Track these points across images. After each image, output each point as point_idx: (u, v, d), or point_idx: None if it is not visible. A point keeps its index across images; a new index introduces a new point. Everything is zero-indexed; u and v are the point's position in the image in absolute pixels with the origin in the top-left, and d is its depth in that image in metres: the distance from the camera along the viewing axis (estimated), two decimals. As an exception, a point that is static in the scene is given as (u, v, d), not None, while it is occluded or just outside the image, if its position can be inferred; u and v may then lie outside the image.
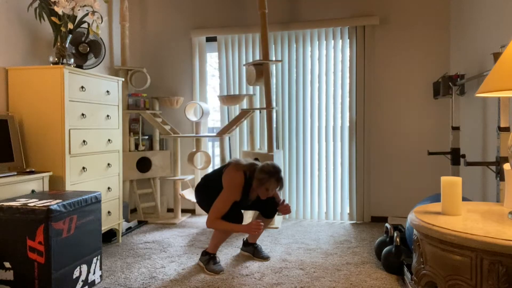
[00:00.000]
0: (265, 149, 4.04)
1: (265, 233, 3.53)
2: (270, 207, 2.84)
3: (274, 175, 2.57)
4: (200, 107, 4.05)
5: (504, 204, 1.67)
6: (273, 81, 4.03)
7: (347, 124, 3.97)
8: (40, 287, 2.05)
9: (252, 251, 2.90)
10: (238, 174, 2.61)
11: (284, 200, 2.86)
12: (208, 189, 2.76)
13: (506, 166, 1.64)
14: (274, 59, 4.08)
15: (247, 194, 2.70)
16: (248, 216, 3.92)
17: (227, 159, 4.16)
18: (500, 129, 2.36)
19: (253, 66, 3.70)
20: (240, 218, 2.64)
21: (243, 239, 3.00)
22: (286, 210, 2.79)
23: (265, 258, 2.84)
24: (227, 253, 2.99)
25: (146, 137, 4.25)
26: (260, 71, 3.68)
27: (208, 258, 2.67)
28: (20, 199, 2.20)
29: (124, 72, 4.02)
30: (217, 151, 4.72)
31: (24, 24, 2.86)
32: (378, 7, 3.90)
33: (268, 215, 2.87)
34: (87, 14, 2.82)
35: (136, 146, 4.14)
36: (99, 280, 2.46)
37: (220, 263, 2.69)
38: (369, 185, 3.96)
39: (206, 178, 2.82)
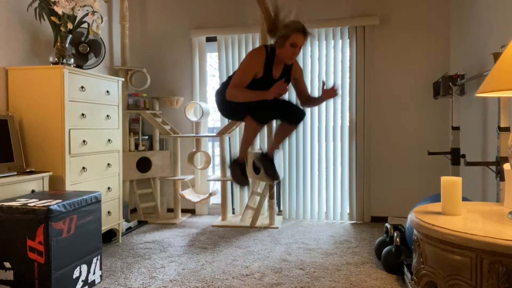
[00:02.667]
0: (265, 149, 4.03)
1: (265, 233, 3.53)
2: (294, 111, 2.55)
3: (297, 25, 2.34)
4: (200, 107, 4.05)
5: (504, 204, 1.66)
6: (273, 81, 4.02)
7: (347, 124, 3.97)
8: (40, 287, 2.05)
9: (264, 164, 2.73)
10: (258, 47, 2.46)
11: (323, 85, 2.54)
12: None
13: (506, 166, 1.64)
14: (274, 59, 4.07)
15: (270, 71, 2.47)
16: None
17: (227, 159, 4.16)
18: (500, 129, 2.36)
19: (253, 66, 3.69)
20: (269, 109, 2.39)
21: (262, 151, 2.83)
22: (331, 92, 2.51)
23: (275, 177, 2.65)
24: (227, 253, 2.99)
25: (146, 137, 4.25)
26: (260, 71, 3.67)
27: (237, 166, 2.55)
28: (20, 199, 2.20)
29: (124, 72, 4.02)
30: (217, 151, 4.72)
31: (24, 24, 2.86)
32: (378, 7, 3.90)
33: (294, 119, 2.56)
34: (87, 14, 2.81)
35: (136, 146, 4.14)
36: (99, 280, 2.46)
37: (247, 175, 2.54)
38: (369, 185, 3.96)
39: (225, 83, 2.59)
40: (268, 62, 2.46)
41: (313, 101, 2.71)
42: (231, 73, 4.20)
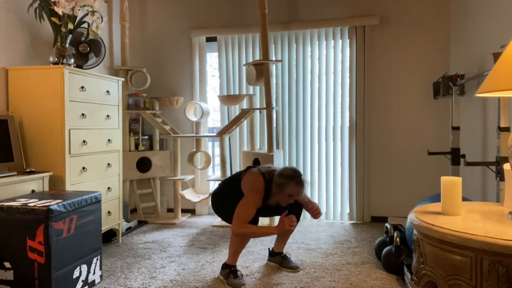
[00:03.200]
0: (265, 149, 4.04)
1: (265, 233, 3.53)
2: (294, 211, 2.62)
3: (294, 179, 2.40)
4: (200, 107, 4.05)
5: (504, 204, 1.66)
6: (273, 81, 4.02)
7: (347, 124, 3.97)
8: (40, 287, 2.05)
9: (279, 261, 2.73)
10: (258, 177, 2.47)
11: (315, 205, 2.62)
12: (226, 196, 2.59)
13: (506, 166, 1.64)
14: (274, 59, 4.08)
15: (267, 200, 2.52)
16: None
17: (227, 159, 4.16)
18: (500, 129, 2.36)
19: (253, 66, 3.70)
20: (256, 219, 2.49)
21: (269, 249, 2.85)
22: (316, 214, 2.59)
23: (294, 268, 2.64)
24: (227, 253, 2.99)
25: (146, 137, 4.25)
26: (260, 71, 3.68)
27: (229, 272, 2.47)
28: (20, 199, 2.20)
29: (124, 72, 4.02)
30: (217, 151, 4.72)
31: (24, 24, 2.86)
32: (378, 7, 3.90)
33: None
34: (87, 14, 2.82)
35: (136, 146, 4.14)
36: (99, 280, 2.46)
37: (242, 277, 2.49)
38: (369, 185, 3.96)
39: (224, 184, 2.66)
40: (265, 193, 2.48)
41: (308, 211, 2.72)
42: (231, 73, 4.21)
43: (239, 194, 2.50)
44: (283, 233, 2.74)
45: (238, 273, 2.48)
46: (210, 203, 2.66)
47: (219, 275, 2.54)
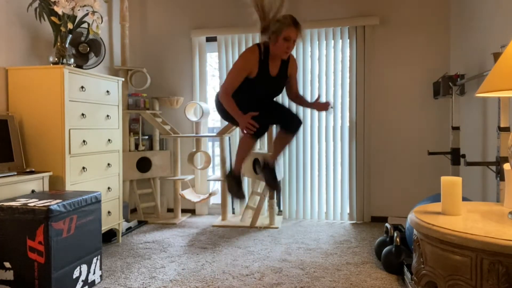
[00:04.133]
0: (265, 149, 4.04)
1: (265, 233, 3.53)
2: (291, 119, 2.51)
3: (289, 18, 2.33)
4: (200, 107, 4.05)
5: (504, 204, 1.66)
6: (273, 81, 4.02)
7: (347, 124, 3.97)
8: (40, 287, 2.05)
9: (265, 174, 2.69)
10: (250, 46, 2.44)
11: (318, 97, 2.52)
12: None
13: (506, 166, 1.64)
14: (274, 59, 4.07)
15: (267, 68, 2.45)
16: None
17: (227, 159, 4.16)
18: (500, 129, 2.36)
19: (253, 66, 3.69)
20: (262, 124, 2.38)
21: (262, 161, 2.80)
22: (323, 106, 2.50)
23: (275, 187, 2.62)
24: (227, 253, 2.99)
25: (146, 137, 4.25)
26: (260, 71, 3.67)
27: (233, 179, 2.50)
28: (20, 199, 2.20)
29: (124, 72, 4.02)
30: (217, 151, 4.72)
31: (24, 24, 2.86)
32: (378, 7, 3.90)
33: (289, 128, 2.54)
34: (87, 14, 2.81)
35: (136, 146, 4.14)
36: (99, 280, 2.46)
37: (243, 190, 2.50)
38: (369, 185, 3.96)
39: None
40: (262, 60, 2.44)
41: (301, 101, 2.67)
42: (231, 73, 4.20)
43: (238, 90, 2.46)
44: (279, 142, 2.66)
45: (242, 183, 2.53)
46: (215, 107, 2.60)
47: (225, 180, 2.55)
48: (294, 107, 3.94)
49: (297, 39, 2.40)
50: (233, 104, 2.38)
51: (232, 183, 2.53)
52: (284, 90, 2.70)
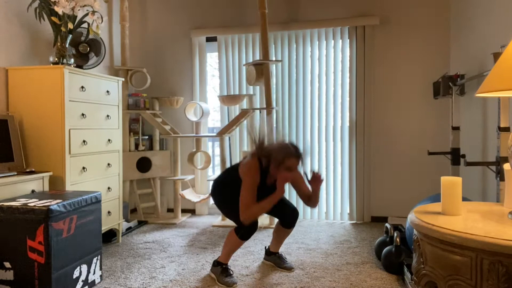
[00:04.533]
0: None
1: (265, 233, 3.53)
2: (290, 214, 2.65)
3: (291, 151, 2.38)
4: (200, 107, 4.05)
5: (504, 204, 1.66)
6: (273, 81, 4.03)
7: (347, 124, 3.97)
8: (40, 287, 2.05)
9: (274, 260, 2.74)
10: (252, 160, 2.46)
11: (313, 172, 2.55)
12: (226, 188, 2.57)
13: (506, 166, 1.64)
14: (274, 59, 4.08)
15: (264, 180, 2.52)
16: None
17: (227, 159, 4.16)
18: (500, 129, 2.36)
19: (253, 66, 3.70)
20: (253, 226, 2.44)
21: (265, 247, 2.85)
22: (318, 181, 2.53)
23: (289, 268, 2.64)
24: (227, 253, 2.99)
25: (146, 137, 4.25)
26: (260, 71, 3.68)
27: (221, 270, 2.48)
28: (20, 199, 2.20)
29: (124, 72, 4.02)
30: (217, 151, 4.72)
31: (24, 24, 2.86)
32: (378, 7, 3.90)
33: (289, 224, 2.67)
34: (87, 14, 2.81)
35: (136, 146, 4.14)
36: (99, 280, 2.46)
37: (233, 275, 2.51)
38: (369, 185, 3.96)
39: (225, 172, 2.63)
40: (261, 174, 2.49)
41: (312, 198, 2.67)
42: (231, 73, 4.20)
43: (238, 182, 2.50)
44: (280, 234, 2.73)
45: (230, 271, 2.49)
46: (211, 191, 2.64)
47: (210, 272, 2.56)
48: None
49: (297, 167, 2.45)
50: (262, 204, 2.40)
51: (219, 271, 2.49)
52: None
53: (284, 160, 2.38)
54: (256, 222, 2.46)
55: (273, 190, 2.57)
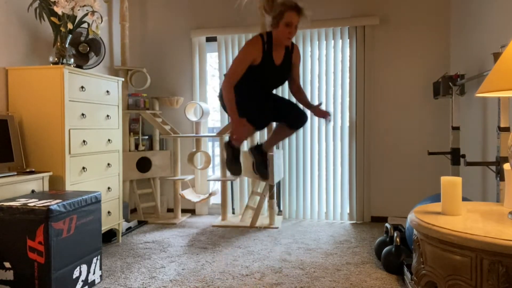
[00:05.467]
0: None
1: (265, 233, 3.53)
2: (296, 114, 2.49)
3: (290, 3, 2.28)
4: (200, 107, 4.05)
5: (504, 204, 1.66)
6: (273, 81, 4.02)
7: (347, 124, 3.97)
8: (40, 287, 2.05)
9: (256, 157, 2.63)
10: (253, 36, 2.40)
11: (320, 104, 2.50)
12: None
13: (506, 166, 1.64)
14: (274, 59, 4.07)
15: (271, 56, 2.41)
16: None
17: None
18: (500, 129, 2.36)
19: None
20: (262, 117, 2.34)
21: (257, 142, 2.75)
22: (323, 113, 2.46)
23: (263, 175, 2.55)
24: (227, 253, 2.99)
25: (146, 137, 4.25)
26: (260, 71, 3.67)
27: (232, 153, 2.43)
28: (20, 199, 2.20)
29: (124, 72, 4.02)
30: (217, 151, 4.72)
31: (24, 24, 2.86)
32: (378, 7, 3.90)
33: (295, 125, 2.51)
34: (87, 14, 2.81)
35: (136, 146, 4.14)
36: (99, 280, 2.46)
37: (240, 165, 2.42)
38: (369, 185, 3.96)
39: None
40: (266, 48, 2.40)
41: (302, 98, 2.61)
42: (231, 73, 4.20)
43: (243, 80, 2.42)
44: (279, 133, 2.63)
45: (239, 159, 2.47)
46: (219, 100, 2.55)
47: (224, 149, 2.48)
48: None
49: (299, 23, 2.35)
50: (233, 97, 2.32)
51: (230, 155, 2.46)
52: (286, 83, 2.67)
53: (284, 14, 2.29)
54: (269, 121, 2.39)
55: (282, 69, 2.47)
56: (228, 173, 4.02)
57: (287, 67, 2.54)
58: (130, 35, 4.40)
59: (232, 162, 2.45)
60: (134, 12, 4.42)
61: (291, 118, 2.51)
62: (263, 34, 2.44)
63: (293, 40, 4.04)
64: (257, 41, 2.39)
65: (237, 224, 3.78)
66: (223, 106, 2.52)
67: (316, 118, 4.03)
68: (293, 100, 3.91)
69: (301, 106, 2.58)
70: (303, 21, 2.36)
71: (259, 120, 2.35)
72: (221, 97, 2.51)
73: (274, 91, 2.69)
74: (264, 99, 2.48)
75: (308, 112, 4.03)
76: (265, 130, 3.96)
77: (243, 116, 2.36)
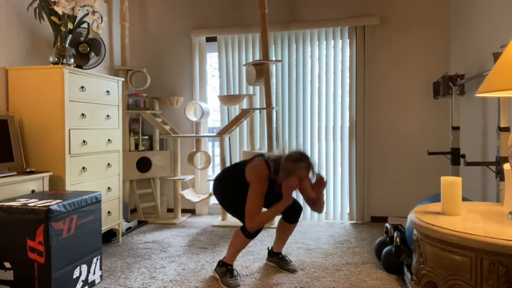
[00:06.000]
0: (265, 149, 4.04)
1: (265, 233, 3.53)
2: (294, 210, 2.63)
3: (301, 161, 2.33)
4: (200, 107, 4.05)
5: (504, 204, 1.66)
6: (273, 81, 4.03)
7: (347, 124, 3.97)
8: (40, 287, 2.05)
9: (278, 262, 2.70)
10: (261, 163, 2.42)
11: (317, 175, 2.50)
12: (229, 186, 2.54)
13: (506, 166, 1.64)
14: (274, 59, 4.08)
15: (272, 186, 2.49)
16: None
17: (227, 159, 4.16)
18: (500, 129, 2.36)
19: (253, 66, 3.70)
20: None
21: (268, 248, 2.83)
22: (321, 184, 2.48)
23: (292, 270, 2.61)
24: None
25: (146, 137, 4.25)
26: (260, 71, 3.68)
27: (225, 270, 2.45)
28: (20, 199, 2.20)
29: (124, 72, 4.02)
30: (217, 151, 4.72)
31: (24, 24, 2.86)
32: (378, 7, 3.90)
33: (292, 218, 2.65)
34: (87, 14, 2.82)
35: (136, 146, 4.14)
36: (99, 280, 2.46)
37: (238, 276, 2.47)
38: (369, 185, 3.96)
39: (227, 172, 2.60)
40: (270, 177, 2.43)
41: (316, 202, 2.61)
42: (231, 73, 4.20)
43: (243, 183, 2.47)
44: (284, 231, 2.71)
45: (234, 272, 2.47)
46: (213, 189, 2.61)
47: (214, 272, 2.53)
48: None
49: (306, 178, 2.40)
50: (268, 212, 2.37)
51: (224, 271, 2.46)
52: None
53: (293, 170, 2.33)
54: (261, 228, 2.44)
55: (278, 198, 2.53)
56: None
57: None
58: (130, 35, 4.40)
59: (228, 279, 2.44)
60: (134, 12, 4.42)
61: (291, 214, 2.65)
62: (269, 166, 2.42)
63: (293, 36, 4.04)
64: (266, 178, 2.40)
65: (237, 224, 3.78)
66: (219, 200, 2.60)
67: (316, 118, 4.03)
68: None
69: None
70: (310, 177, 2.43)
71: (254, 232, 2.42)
72: (218, 192, 2.60)
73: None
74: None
75: (306, 112, 4.03)
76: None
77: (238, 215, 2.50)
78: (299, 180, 2.35)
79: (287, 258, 2.71)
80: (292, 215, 2.65)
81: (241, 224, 3.72)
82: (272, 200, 2.62)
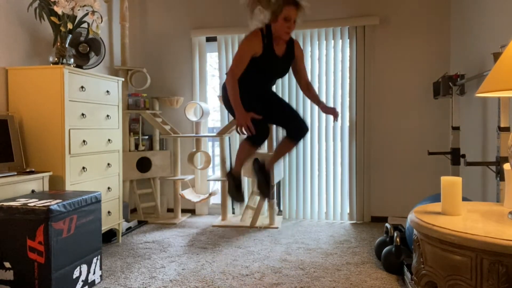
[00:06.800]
0: (265, 149, 4.04)
1: (265, 233, 3.53)
2: (298, 125, 2.43)
3: None
4: (200, 107, 4.05)
5: (504, 204, 1.66)
6: (273, 81, 4.02)
7: (347, 124, 3.97)
8: (40, 287, 2.05)
9: (259, 177, 2.57)
10: (253, 30, 2.37)
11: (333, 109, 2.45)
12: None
13: (506, 166, 1.64)
14: (274, 59, 4.07)
15: (271, 48, 2.38)
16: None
17: (227, 159, 4.16)
18: (500, 129, 2.36)
19: (253, 66, 3.69)
20: (263, 130, 2.30)
21: (257, 158, 2.68)
22: (331, 110, 2.44)
23: (266, 194, 2.53)
24: (227, 253, 2.99)
25: (146, 137, 4.25)
26: (260, 71, 3.67)
27: (233, 182, 2.44)
28: (20, 199, 2.20)
29: (124, 72, 4.02)
30: (217, 151, 4.72)
31: (24, 24, 2.86)
32: (378, 7, 3.90)
33: (295, 136, 2.46)
34: (87, 14, 2.81)
35: (136, 146, 4.14)
36: (99, 280, 2.46)
37: (243, 192, 2.40)
38: (369, 185, 3.96)
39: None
40: (266, 40, 2.38)
41: (312, 95, 2.58)
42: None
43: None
44: (280, 148, 2.59)
45: (242, 187, 2.50)
46: (222, 96, 2.52)
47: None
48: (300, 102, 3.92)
49: (298, 18, 2.34)
50: (237, 91, 2.29)
51: (232, 184, 2.51)
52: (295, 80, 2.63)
53: (282, 9, 2.27)
54: (267, 128, 2.34)
55: (284, 61, 2.45)
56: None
57: (289, 60, 2.54)
58: (130, 35, 4.40)
59: (234, 192, 2.46)
60: (134, 12, 4.42)
61: (292, 127, 2.47)
62: (262, 28, 2.41)
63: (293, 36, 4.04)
64: (256, 34, 2.38)
65: (237, 224, 3.78)
66: (226, 105, 2.49)
67: (316, 118, 4.03)
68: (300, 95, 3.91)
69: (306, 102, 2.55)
70: (302, 16, 2.34)
71: (258, 138, 2.31)
72: (224, 96, 2.48)
73: (276, 90, 2.69)
74: (265, 94, 2.48)
75: (306, 113, 4.04)
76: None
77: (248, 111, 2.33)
78: (287, 21, 2.29)
79: (269, 184, 2.56)
80: (293, 131, 2.46)
81: None
82: (280, 67, 2.51)
